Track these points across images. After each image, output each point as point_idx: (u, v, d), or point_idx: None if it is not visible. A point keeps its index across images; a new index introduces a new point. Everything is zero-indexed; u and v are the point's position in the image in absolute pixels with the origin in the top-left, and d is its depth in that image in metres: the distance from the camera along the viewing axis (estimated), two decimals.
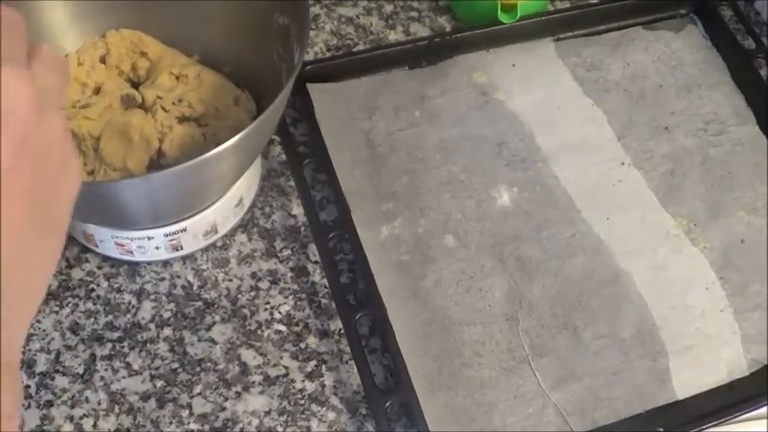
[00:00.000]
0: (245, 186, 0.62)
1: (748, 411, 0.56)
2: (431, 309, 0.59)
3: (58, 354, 0.57)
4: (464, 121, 0.68)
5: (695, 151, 0.69)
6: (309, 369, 0.58)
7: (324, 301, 0.61)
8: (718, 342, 0.59)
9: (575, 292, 0.60)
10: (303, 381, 0.57)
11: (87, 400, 0.56)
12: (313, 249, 0.62)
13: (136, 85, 0.63)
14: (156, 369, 0.57)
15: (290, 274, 0.62)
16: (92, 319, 0.59)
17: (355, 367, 0.55)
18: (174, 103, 0.60)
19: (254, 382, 0.57)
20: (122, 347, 0.58)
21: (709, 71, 0.74)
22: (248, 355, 0.58)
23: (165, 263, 0.61)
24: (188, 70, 0.63)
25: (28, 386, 0.56)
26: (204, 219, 0.59)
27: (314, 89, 0.68)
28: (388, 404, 0.54)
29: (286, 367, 0.58)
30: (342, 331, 0.58)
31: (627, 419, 0.55)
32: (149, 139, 0.58)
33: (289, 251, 0.63)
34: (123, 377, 0.57)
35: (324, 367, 0.58)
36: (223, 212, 0.60)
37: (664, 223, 0.64)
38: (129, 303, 0.60)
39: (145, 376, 0.57)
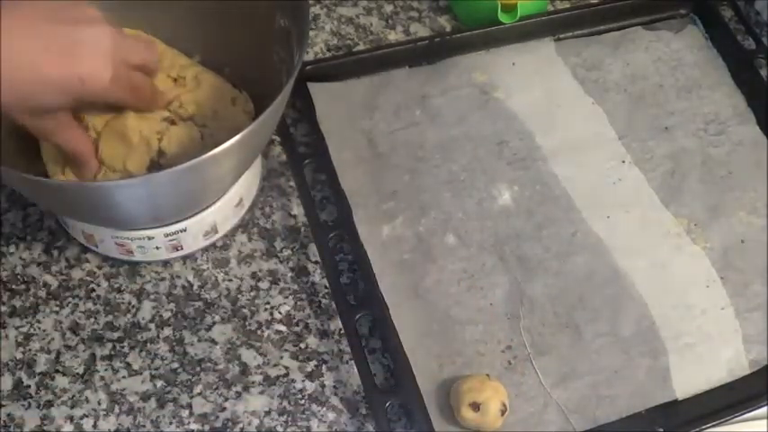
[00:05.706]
0: (246, 186, 0.62)
1: (748, 411, 0.56)
2: (432, 308, 0.59)
3: (59, 354, 0.57)
4: (464, 121, 0.68)
5: (695, 151, 0.69)
6: (309, 369, 0.58)
7: (324, 301, 0.61)
8: (719, 341, 0.59)
9: (575, 291, 0.60)
10: (303, 381, 0.57)
11: (87, 400, 0.56)
12: (313, 249, 0.62)
13: None
14: (156, 369, 0.57)
15: (290, 274, 0.62)
16: (92, 319, 0.59)
17: (355, 367, 0.55)
18: (170, 109, 0.60)
19: (254, 382, 0.57)
20: (122, 347, 0.58)
21: (709, 71, 0.74)
22: (248, 355, 0.58)
23: (166, 263, 0.61)
24: (186, 72, 0.62)
25: (28, 386, 0.56)
26: (204, 219, 0.59)
27: (314, 89, 0.68)
28: (388, 404, 0.54)
29: (286, 367, 0.58)
30: (342, 331, 0.58)
31: (627, 419, 0.55)
32: (149, 140, 0.58)
33: (289, 251, 0.63)
34: (123, 377, 0.57)
35: (324, 367, 0.58)
36: (223, 212, 0.60)
37: (664, 222, 0.64)
38: (129, 303, 0.60)
39: (145, 376, 0.57)
